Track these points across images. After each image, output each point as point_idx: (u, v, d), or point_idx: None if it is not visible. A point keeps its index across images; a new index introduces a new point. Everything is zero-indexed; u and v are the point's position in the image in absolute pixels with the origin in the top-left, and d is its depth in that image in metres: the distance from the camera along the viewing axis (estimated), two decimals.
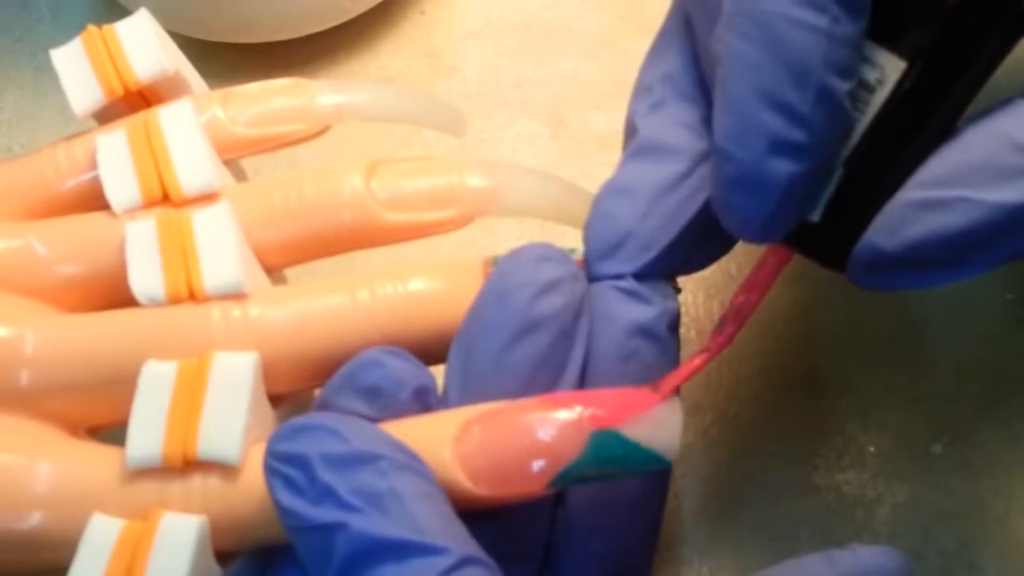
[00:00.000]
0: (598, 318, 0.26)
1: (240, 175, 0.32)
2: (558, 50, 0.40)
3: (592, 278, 0.26)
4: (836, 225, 0.24)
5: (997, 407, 0.32)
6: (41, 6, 0.42)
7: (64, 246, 0.28)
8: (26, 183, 0.29)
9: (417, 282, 0.27)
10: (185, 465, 0.25)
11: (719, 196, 0.24)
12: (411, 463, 0.23)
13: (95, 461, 0.26)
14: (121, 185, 0.29)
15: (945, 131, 0.24)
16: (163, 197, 0.28)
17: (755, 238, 0.24)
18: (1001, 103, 0.24)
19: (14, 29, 0.42)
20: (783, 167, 0.23)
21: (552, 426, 0.23)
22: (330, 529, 0.22)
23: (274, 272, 0.29)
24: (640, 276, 0.26)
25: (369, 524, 0.21)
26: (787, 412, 0.32)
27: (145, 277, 0.27)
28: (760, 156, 0.23)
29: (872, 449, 0.32)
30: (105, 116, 0.30)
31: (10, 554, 0.25)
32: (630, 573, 0.27)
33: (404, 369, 0.25)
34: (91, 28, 0.31)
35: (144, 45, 0.30)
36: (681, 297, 0.27)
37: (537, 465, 0.23)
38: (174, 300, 0.27)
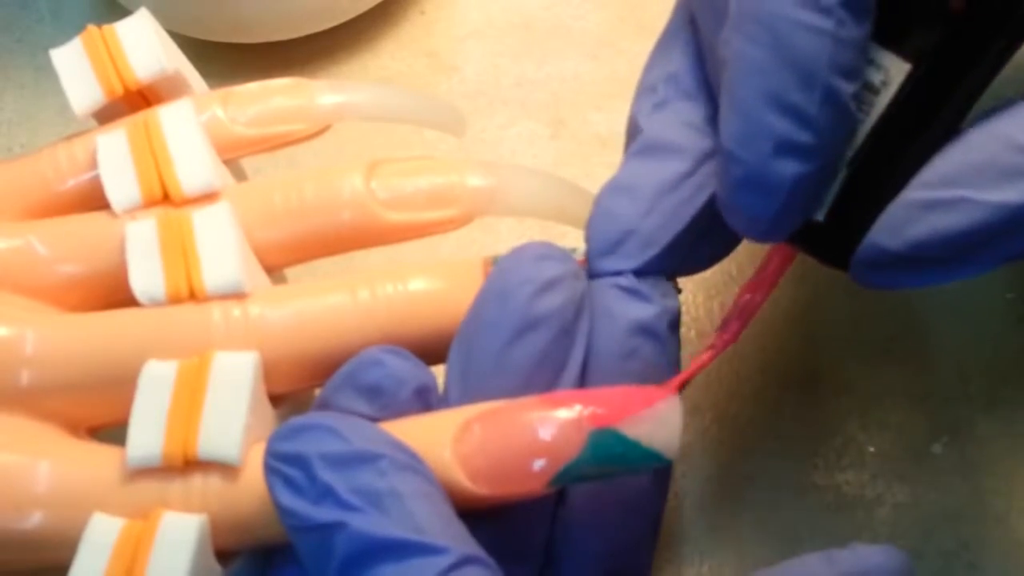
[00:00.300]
0: (598, 316, 0.26)
1: (240, 175, 0.32)
2: (558, 50, 0.40)
3: (593, 275, 0.26)
4: (840, 224, 0.24)
5: (998, 406, 0.32)
6: (41, 6, 0.42)
7: (64, 246, 0.28)
8: (26, 183, 0.29)
9: (417, 282, 0.27)
10: (185, 465, 0.25)
11: (726, 197, 0.24)
12: (411, 463, 0.23)
13: (95, 461, 0.26)
14: (121, 185, 0.29)
15: (949, 132, 0.24)
16: (163, 197, 0.28)
17: (761, 237, 0.24)
18: (1003, 104, 0.24)
19: (14, 29, 0.42)
20: (789, 168, 0.23)
21: (552, 425, 0.23)
22: (330, 528, 0.22)
23: (274, 272, 0.29)
24: (641, 273, 0.26)
25: (369, 524, 0.21)
26: (787, 411, 0.32)
27: (145, 277, 0.27)
28: (767, 157, 0.23)
29: (872, 449, 0.32)
30: (105, 116, 0.30)
31: (10, 554, 0.25)
32: (630, 572, 0.27)
33: (404, 368, 0.25)
34: (91, 28, 0.31)
35: (144, 45, 0.30)
36: (681, 297, 0.27)
37: (537, 464, 0.23)
38: (174, 300, 0.27)
